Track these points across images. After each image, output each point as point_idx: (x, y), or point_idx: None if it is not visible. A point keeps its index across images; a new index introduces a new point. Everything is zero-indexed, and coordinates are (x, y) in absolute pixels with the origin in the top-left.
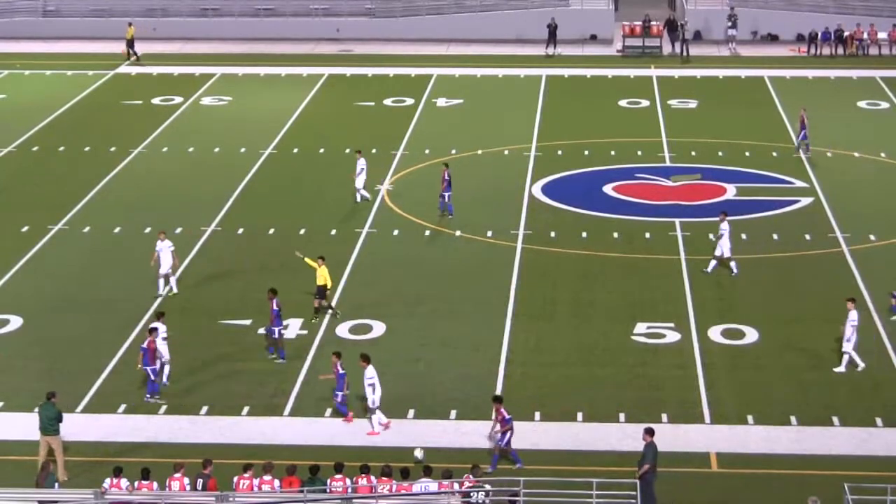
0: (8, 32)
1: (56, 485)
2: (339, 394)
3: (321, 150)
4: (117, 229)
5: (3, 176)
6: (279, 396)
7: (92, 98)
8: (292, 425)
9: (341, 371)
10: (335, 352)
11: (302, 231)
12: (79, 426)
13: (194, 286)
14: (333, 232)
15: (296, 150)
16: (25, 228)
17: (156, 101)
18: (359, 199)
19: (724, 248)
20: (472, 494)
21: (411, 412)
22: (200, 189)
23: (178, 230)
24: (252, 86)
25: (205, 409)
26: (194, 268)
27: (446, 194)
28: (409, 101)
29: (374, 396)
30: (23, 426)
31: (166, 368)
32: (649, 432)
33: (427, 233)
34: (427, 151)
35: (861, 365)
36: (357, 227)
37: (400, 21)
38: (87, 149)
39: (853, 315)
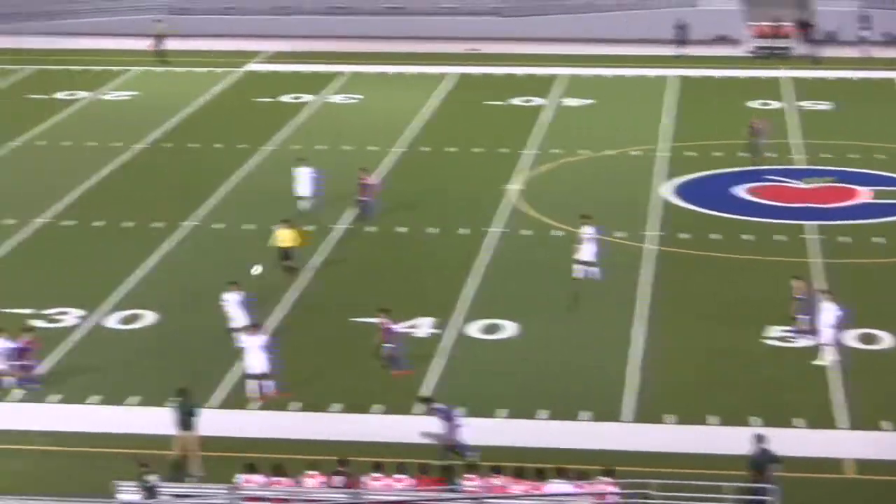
0: (140, 30)
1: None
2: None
3: (451, 149)
4: (250, 226)
5: (136, 172)
6: (410, 396)
7: (223, 95)
8: (422, 424)
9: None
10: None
11: (432, 230)
12: (212, 422)
13: (327, 284)
14: (463, 231)
15: (426, 149)
16: (158, 224)
17: (285, 98)
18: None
19: (587, 252)
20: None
21: (544, 413)
22: (331, 187)
23: (311, 227)
24: (380, 84)
25: (336, 406)
26: (329, 266)
27: (367, 199)
28: (538, 101)
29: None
30: (157, 421)
31: None
32: (758, 439)
33: (559, 233)
34: (556, 151)
35: (832, 359)
36: (486, 226)
37: (528, 20)
38: (218, 146)
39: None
